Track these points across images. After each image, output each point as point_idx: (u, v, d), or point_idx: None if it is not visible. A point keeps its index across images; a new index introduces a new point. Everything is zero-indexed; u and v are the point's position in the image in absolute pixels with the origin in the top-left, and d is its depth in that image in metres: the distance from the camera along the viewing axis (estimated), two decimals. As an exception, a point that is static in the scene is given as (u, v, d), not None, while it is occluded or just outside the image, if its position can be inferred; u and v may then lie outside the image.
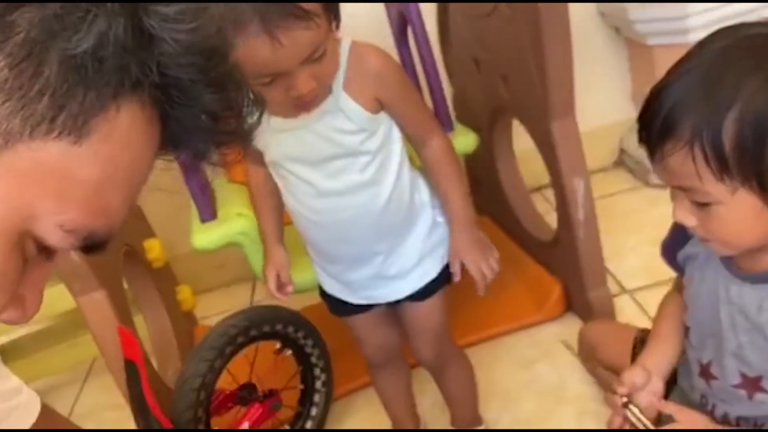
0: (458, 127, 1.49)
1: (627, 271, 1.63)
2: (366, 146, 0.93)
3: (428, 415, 1.36)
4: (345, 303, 1.09)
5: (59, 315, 1.61)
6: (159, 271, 1.70)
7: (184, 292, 1.79)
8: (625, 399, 0.86)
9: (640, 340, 1.08)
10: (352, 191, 0.94)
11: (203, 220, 1.37)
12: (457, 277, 1.02)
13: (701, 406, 0.91)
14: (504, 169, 1.74)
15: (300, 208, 0.98)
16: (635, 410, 0.85)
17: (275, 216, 1.06)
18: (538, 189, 2.07)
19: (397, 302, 1.07)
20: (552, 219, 1.65)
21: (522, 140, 1.67)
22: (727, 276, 0.80)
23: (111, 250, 1.40)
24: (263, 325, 1.25)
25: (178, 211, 1.55)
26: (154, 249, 1.65)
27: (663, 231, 1.74)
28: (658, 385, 0.89)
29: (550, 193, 2.04)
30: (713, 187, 0.68)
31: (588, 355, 1.27)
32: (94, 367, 1.86)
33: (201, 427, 1.19)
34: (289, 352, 1.32)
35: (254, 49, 0.77)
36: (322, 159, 0.93)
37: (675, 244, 0.92)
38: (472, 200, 2.01)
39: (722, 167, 0.66)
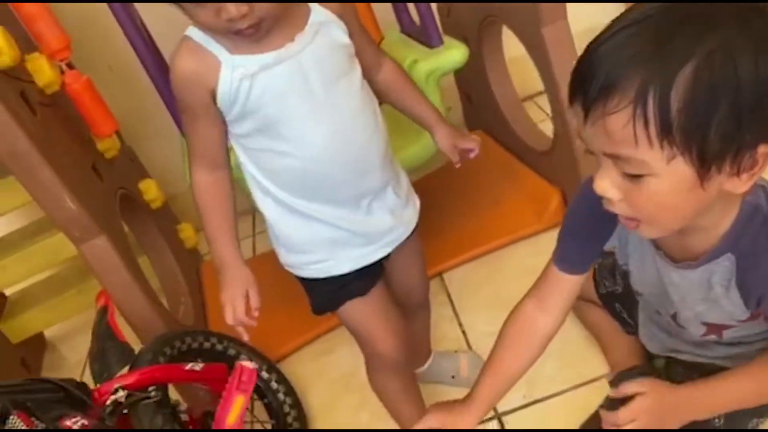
0: (447, 40, 1.42)
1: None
2: (353, 61, 0.91)
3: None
4: (350, 284, 0.98)
5: (63, 262, 1.62)
6: (158, 211, 1.70)
7: (185, 231, 1.80)
8: None
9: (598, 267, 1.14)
10: (361, 110, 0.90)
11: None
12: (459, 163, 1.03)
13: (666, 367, 0.99)
14: (496, 80, 1.70)
15: (313, 156, 0.88)
16: None
17: (234, 229, 0.95)
18: (531, 97, 2.05)
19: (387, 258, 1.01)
20: (546, 127, 1.63)
21: (509, 48, 1.63)
22: (665, 265, 0.80)
23: (106, 194, 1.40)
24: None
25: (171, 150, 1.53)
26: (150, 190, 1.65)
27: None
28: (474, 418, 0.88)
29: (542, 101, 2.03)
30: (649, 155, 0.62)
31: None
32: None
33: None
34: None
35: None
36: (330, 81, 0.86)
37: (568, 249, 0.88)
38: (464, 115, 2.01)
39: (665, 130, 0.60)
